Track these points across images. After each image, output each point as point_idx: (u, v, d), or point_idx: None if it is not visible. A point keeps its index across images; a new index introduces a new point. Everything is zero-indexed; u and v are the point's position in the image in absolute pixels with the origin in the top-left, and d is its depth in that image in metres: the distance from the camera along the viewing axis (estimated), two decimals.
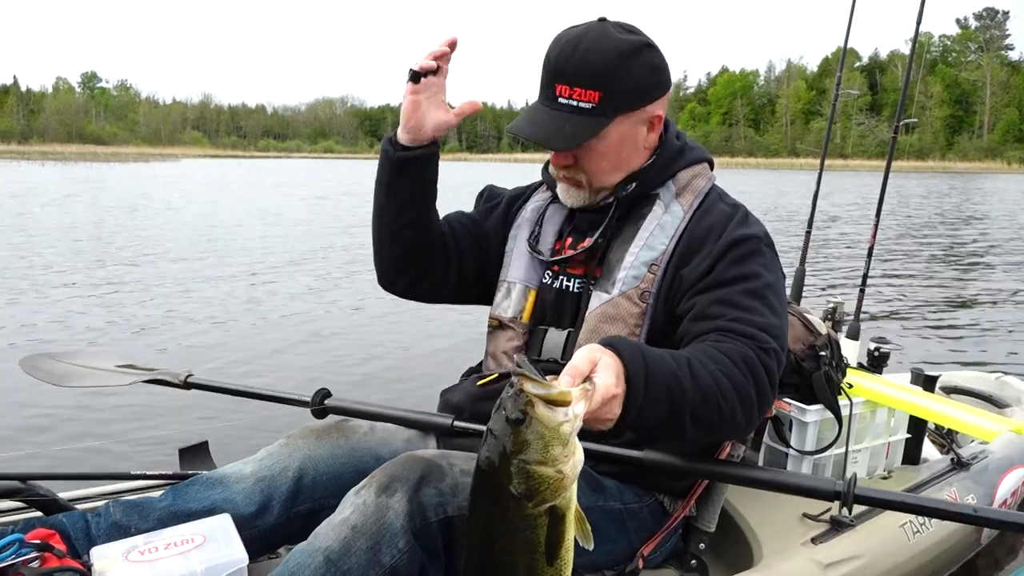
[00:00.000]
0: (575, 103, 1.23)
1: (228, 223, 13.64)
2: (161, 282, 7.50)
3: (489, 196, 1.57)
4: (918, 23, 2.23)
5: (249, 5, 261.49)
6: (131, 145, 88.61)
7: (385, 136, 1.38)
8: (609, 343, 1.01)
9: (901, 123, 2.28)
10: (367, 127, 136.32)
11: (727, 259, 1.24)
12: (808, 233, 2.56)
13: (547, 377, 0.80)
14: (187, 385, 1.54)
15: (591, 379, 0.90)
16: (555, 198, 1.45)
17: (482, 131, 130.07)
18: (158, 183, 27.42)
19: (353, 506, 1.10)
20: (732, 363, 1.10)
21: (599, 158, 1.29)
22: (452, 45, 1.28)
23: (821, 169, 2.52)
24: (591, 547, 0.81)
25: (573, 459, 0.77)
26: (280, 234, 12.00)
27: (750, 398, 1.11)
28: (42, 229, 11.81)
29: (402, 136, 1.33)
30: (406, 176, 1.36)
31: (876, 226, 2.28)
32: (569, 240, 1.41)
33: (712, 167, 1.42)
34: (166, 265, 8.60)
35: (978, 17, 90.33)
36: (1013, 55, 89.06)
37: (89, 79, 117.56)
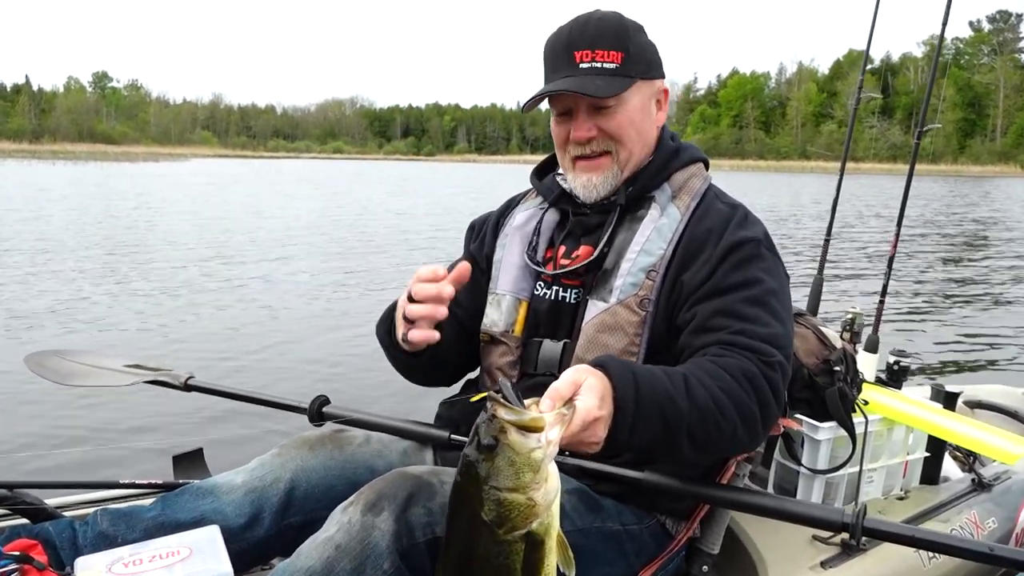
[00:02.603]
0: (599, 64, 1.23)
1: (235, 224, 13.68)
2: (165, 281, 7.51)
3: (478, 231, 1.52)
4: (944, 26, 2.16)
5: (260, 6, 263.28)
6: (141, 144, 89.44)
7: (384, 330, 1.31)
8: (600, 363, 0.99)
9: (924, 128, 2.20)
10: (376, 128, 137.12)
11: (727, 264, 1.20)
12: (827, 241, 2.48)
13: (527, 401, 0.79)
14: (187, 387, 1.54)
15: (572, 402, 0.88)
16: (550, 204, 1.40)
17: (491, 132, 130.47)
18: (167, 182, 27.60)
19: (338, 524, 1.06)
20: (733, 379, 1.06)
21: (627, 124, 1.26)
22: (461, 276, 1.16)
23: (842, 175, 2.43)
24: (572, 574, 0.80)
25: (545, 486, 0.76)
26: (285, 236, 12.00)
27: (753, 415, 1.07)
28: (50, 227, 11.87)
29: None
30: (417, 364, 1.32)
31: (897, 235, 2.20)
32: (563, 248, 1.36)
33: (707, 167, 1.39)
34: (172, 265, 8.61)
35: (991, 20, 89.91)
36: None
37: (100, 79, 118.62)
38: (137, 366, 1.64)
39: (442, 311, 1.14)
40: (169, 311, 6.23)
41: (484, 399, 1.29)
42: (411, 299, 1.15)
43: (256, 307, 6.51)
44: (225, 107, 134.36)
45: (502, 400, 0.76)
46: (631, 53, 1.24)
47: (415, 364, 1.32)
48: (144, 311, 6.20)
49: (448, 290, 1.13)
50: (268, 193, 23.37)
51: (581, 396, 0.90)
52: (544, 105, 1.31)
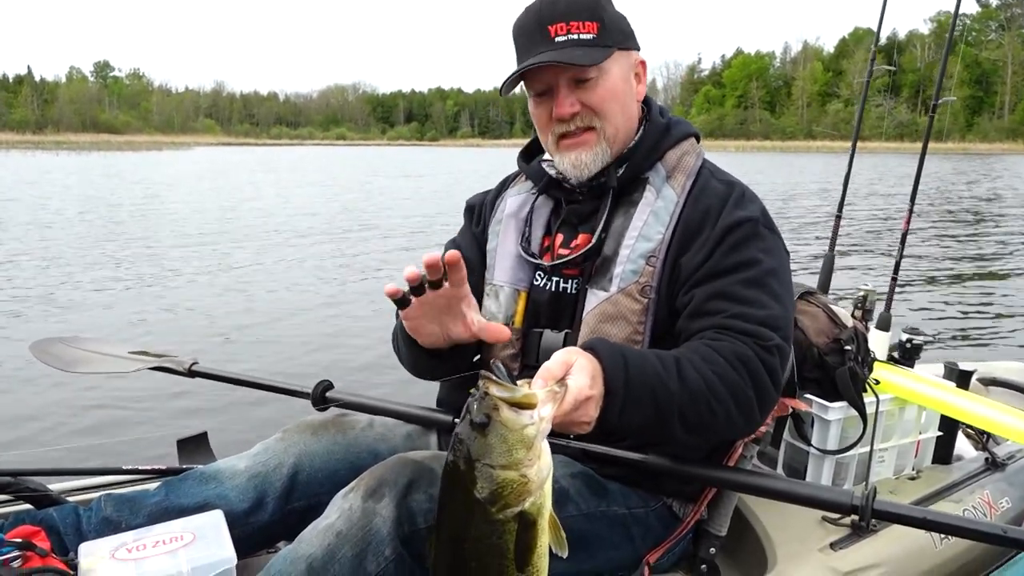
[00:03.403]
0: (575, 36, 1.19)
1: (238, 210, 13.67)
2: (169, 267, 7.51)
3: (477, 212, 1.47)
4: (957, 6, 2.10)
5: None
6: (144, 134, 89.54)
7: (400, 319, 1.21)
8: (589, 345, 0.99)
9: (938, 102, 2.15)
10: (379, 113, 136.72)
11: (724, 246, 1.17)
12: (838, 218, 2.44)
13: (519, 381, 0.79)
14: (191, 373, 1.54)
15: (564, 381, 0.89)
16: (540, 191, 1.36)
17: (494, 117, 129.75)
18: (171, 170, 27.60)
19: (339, 511, 1.05)
20: (727, 363, 1.06)
21: (610, 96, 1.21)
22: (452, 262, 1.05)
23: (853, 150, 2.38)
24: (565, 554, 0.80)
25: (538, 463, 0.76)
26: (289, 222, 11.98)
27: (747, 399, 1.07)
28: (53, 216, 11.87)
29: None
30: (435, 364, 1.26)
31: (911, 211, 2.14)
32: (560, 237, 1.32)
33: (699, 140, 1.35)
34: (176, 251, 8.61)
35: None
36: None
37: (102, 68, 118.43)
38: (142, 352, 1.64)
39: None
40: (172, 296, 6.23)
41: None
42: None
43: (259, 292, 6.50)
44: (227, 95, 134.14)
45: (494, 378, 0.76)
46: (606, 23, 1.20)
47: (434, 364, 1.26)
48: (148, 297, 6.21)
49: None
50: (271, 179, 23.32)
51: (572, 375, 0.91)
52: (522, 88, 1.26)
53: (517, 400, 0.75)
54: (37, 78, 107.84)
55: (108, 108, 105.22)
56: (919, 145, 2.25)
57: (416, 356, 1.26)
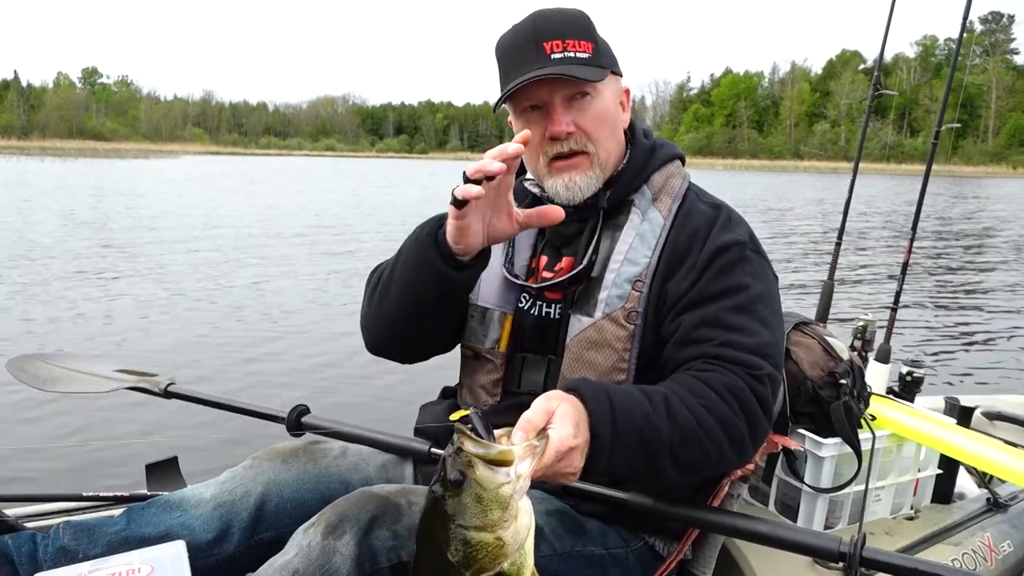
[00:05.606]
0: (572, 54, 1.15)
1: (223, 224, 13.57)
2: (151, 282, 7.40)
3: None
4: (964, 21, 2.09)
5: (251, 2, 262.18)
6: (131, 141, 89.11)
7: (426, 232, 1.13)
8: (573, 387, 0.95)
9: (940, 128, 2.12)
10: (368, 125, 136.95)
11: (711, 271, 1.14)
12: (838, 245, 2.41)
13: (498, 432, 0.76)
14: (167, 394, 1.52)
15: (545, 432, 0.84)
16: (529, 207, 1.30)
17: (484, 131, 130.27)
18: (157, 180, 27.41)
19: (298, 547, 1.01)
20: (718, 396, 1.03)
21: (603, 120, 1.19)
22: (526, 140, 1.00)
23: (854, 177, 2.34)
24: None
25: (515, 524, 0.72)
26: (269, 238, 11.89)
27: (740, 434, 1.03)
28: (33, 226, 11.71)
29: (452, 247, 1.10)
30: (447, 287, 1.16)
31: (912, 240, 2.11)
32: (544, 259, 1.28)
33: (683, 162, 1.32)
34: (157, 266, 8.49)
35: (983, 21, 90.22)
36: (1019, 59, 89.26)
37: (90, 74, 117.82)
38: (120, 371, 1.61)
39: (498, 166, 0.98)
40: (152, 312, 6.12)
41: (460, 420, 1.21)
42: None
43: (241, 310, 6.39)
44: (216, 104, 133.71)
45: (469, 432, 0.72)
46: (599, 45, 1.18)
47: (436, 296, 1.15)
48: (128, 313, 6.09)
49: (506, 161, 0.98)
50: (257, 192, 23.19)
51: (554, 425, 0.86)
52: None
53: (492, 457, 0.72)
54: (24, 83, 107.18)
55: (95, 115, 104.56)
56: (905, 167, 2.23)
57: (418, 272, 1.13)
